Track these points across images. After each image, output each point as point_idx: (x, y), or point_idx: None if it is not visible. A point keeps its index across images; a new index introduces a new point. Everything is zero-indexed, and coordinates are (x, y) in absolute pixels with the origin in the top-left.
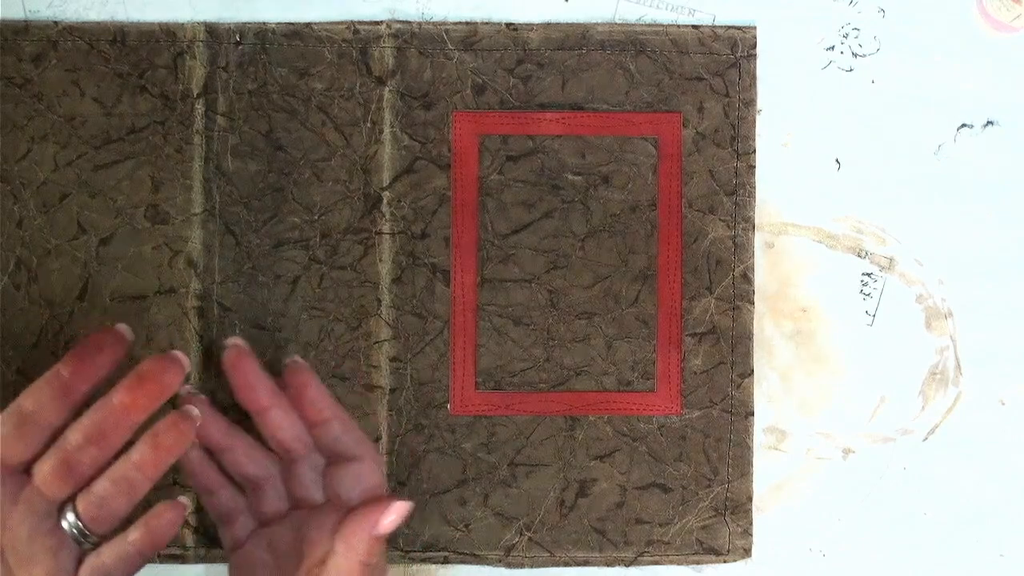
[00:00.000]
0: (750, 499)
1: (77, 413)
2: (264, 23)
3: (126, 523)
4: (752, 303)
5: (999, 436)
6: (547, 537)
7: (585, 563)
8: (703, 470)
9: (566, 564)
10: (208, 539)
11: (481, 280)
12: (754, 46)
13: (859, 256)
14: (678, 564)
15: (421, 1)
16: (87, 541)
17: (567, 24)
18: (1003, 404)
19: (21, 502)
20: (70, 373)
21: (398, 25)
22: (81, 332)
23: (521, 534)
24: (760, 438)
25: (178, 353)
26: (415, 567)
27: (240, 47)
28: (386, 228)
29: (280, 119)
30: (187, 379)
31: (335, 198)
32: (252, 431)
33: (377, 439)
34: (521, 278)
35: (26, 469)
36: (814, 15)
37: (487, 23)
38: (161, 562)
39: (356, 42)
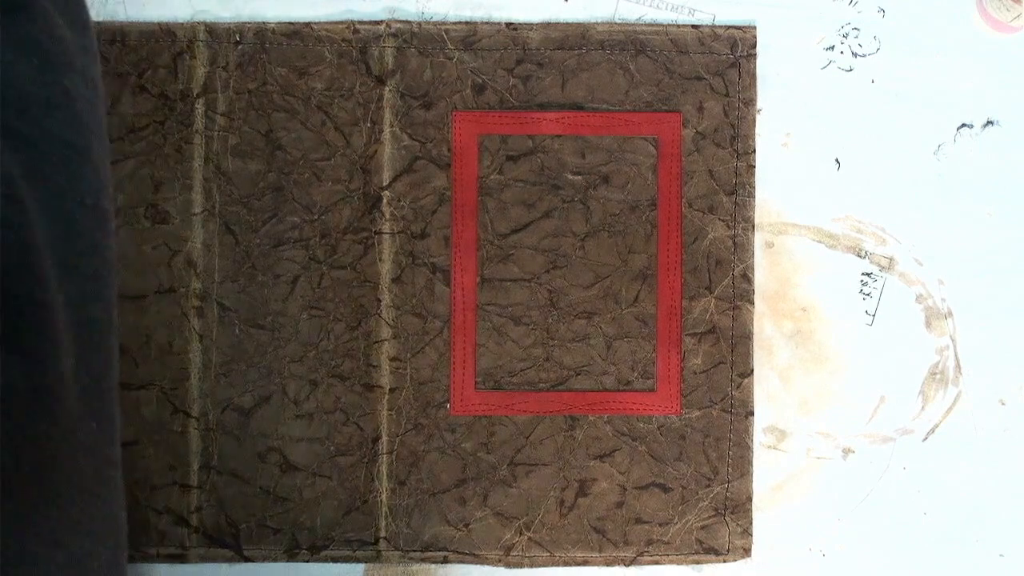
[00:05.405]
0: (750, 499)
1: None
2: (264, 23)
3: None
4: (752, 303)
5: (999, 436)
6: (547, 537)
7: (585, 563)
8: (703, 470)
9: (566, 564)
10: (208, 539)
11: (481, 280)
12: (754, 46)
13: (859, 256)
14: (678, 564)
15: (421, 1)
16: None
17: (567, 24)
18: (1003, 404)
19: None
20: None
21: (398, 25)
22: None
23: (521, 534)
24: (760, 438)
25: None
26: (415, 567)
27: (240, 47)
28: (386, 228)
29: (280, 119)
30: (187, 379)
31: (335, 198)
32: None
33: (377, 439)
34: (521, 278)
35: None
36: (814, 15)
37: (487, 23)
38: (161, 562)
39: (356, 42)
